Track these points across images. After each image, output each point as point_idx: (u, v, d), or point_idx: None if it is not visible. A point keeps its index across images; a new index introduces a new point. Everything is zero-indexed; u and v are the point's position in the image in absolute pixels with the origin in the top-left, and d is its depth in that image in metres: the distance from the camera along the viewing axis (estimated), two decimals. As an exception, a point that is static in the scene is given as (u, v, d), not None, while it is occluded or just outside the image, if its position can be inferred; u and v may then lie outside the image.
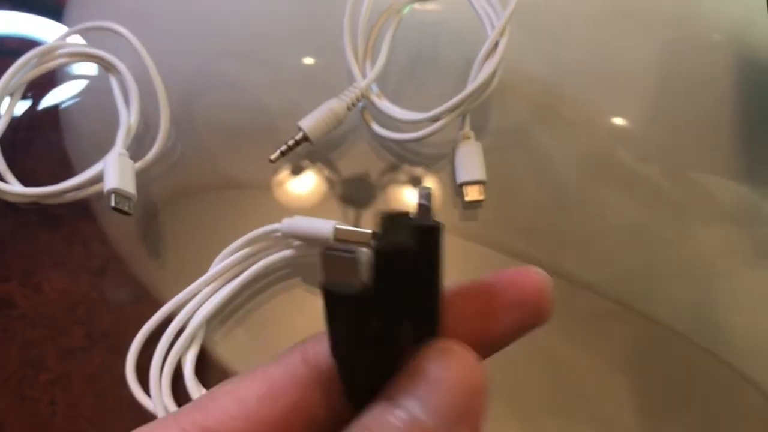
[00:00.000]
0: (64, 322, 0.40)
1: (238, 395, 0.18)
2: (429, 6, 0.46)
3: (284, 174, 0.44)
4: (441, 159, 0.44)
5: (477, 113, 0.45)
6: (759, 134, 0.45)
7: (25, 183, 0.42)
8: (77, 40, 0.46)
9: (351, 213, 0.43)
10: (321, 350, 0.18)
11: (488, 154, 0.43)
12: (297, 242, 0.38)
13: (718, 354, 0.40)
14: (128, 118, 0.41)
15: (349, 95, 0.42)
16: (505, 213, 0.43)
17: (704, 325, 0.41)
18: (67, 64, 0.44)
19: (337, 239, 0.36)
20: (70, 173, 0.42)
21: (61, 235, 0.43)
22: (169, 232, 0.43)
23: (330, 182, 0.43)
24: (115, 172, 0.38)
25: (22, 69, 0.41)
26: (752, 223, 0.43)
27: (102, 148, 0.41)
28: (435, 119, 0.40)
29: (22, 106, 0.46)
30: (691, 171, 0.44)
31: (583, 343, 0.40)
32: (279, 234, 0.38)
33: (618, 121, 0.46)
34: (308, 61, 0.48)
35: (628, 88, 0.47)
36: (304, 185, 0.43)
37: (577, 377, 0.40)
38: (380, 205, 0.43)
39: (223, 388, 0.18)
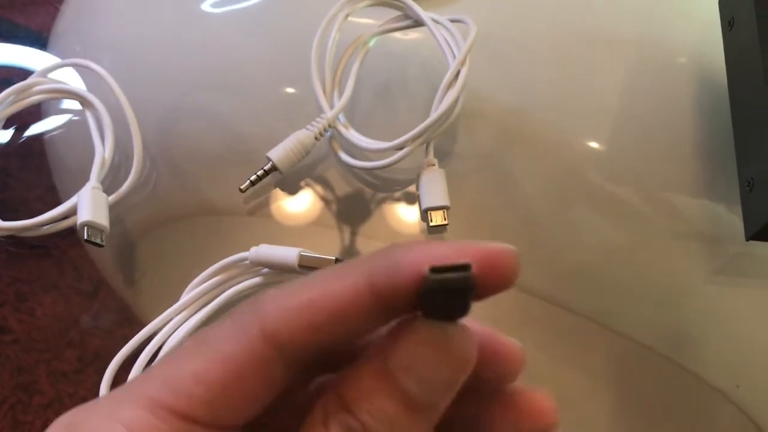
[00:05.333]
0: (57, 345, 0.42)
1: (205, 380, 0.18)
2: (396, 36, 0.47)
3: (257, 201, 0.45)
4: (408, 185, 0.45)
5: (444, 139, 0.46)
6: (719, 151, 0.46)
7: (16, 211, 0.43)
8: (60, 71, 0.47)
9: (321, 239, 0.44)
10: (279, 320, 0.18)
11: (457, 178, 0.44)
12: (265, 269, 0.39)
13: (687, 366, 0.41)
14: (103, 153, 0.42)
15: (317, 126, 0.43)
16: (475, 234, 0.44)
17: (672, 339, 0.42)
18: (44, 101, 0.45)
19: (300, 265, 0.37)
20: (60, 200, 0.44)
21: (53, 260, 0.44)
22: (149, 258, 0.44)
23: (300, 209, 0.45)
24: (87, 205, 0.40)
25: (-1, 106, 0.43)
26: (717, 239, 0.44)
27: (86, 178, 0.42)
28: (399, 148, 0.42)
29: (15, 137, 0.47)
30: (656, 189, 0.46)
31: (559, 358, 0.42)
32: (247, 262, 0.39)
33: (583, 142, 0.47)
34: (282, 90, 0.49)
35: (593, 110, 0.48)
36: (276, 212, 0.45)
37: (555, 391, 0.41)
38: (348, 231, 0.44)
39: (186, 368, 0.18)
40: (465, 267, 0.17)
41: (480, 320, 0.21)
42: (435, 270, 0.17)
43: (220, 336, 0.19)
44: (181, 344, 0.19)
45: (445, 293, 0.18)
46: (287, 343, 0.18)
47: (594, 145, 0.47)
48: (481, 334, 0.20)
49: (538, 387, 0.21)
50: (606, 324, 0.42)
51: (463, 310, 0.18)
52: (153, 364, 0.19)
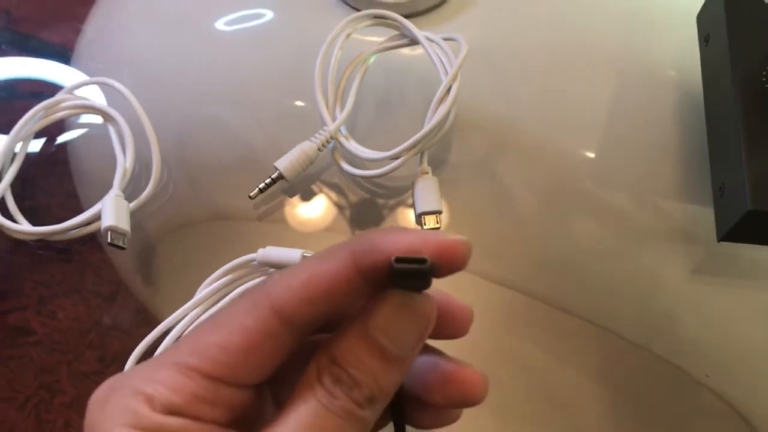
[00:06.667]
0: (78, 347, 0.44)
1: (227, 348, 0.22)
2: (394, 53, 0.50)
3: (266, 208, 0.48)
4: (405, 191, 0.47)
5: (440, 148, 0.49)
6: (699, 158, 0.48)
7: (40, 217, 0.46)
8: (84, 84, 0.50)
9: (324, 241, 0.47)
10: (285, 297, 0.22)
11: (451, 186, 0.47)
12: (271, 269, 0.42)
13: (678, 364, 0.43)
14: (124, 163, 0.46)
15: (320, 137, 0.46)
16: (471, 237, 0.45)
17: (661, 338, 0.44)
18: (70, 116, 0.49)
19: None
20: (81, 208, 0.47)
21: (74, 265, 0.46)
22: (166, 260, 0.47)
23: (305, 214, 0.48)
24: (111, 211, 0.43)
25: (29, 122, 0.46)
26: (703, 241, 0.46)
27: (108, 186, 0.45)
28: (395, 157, 0.44)
29: (40, 147, 0.50)
30: (643, 194, 0.48)
31: (557, 357, 0.44)
32: (255, 263, 0.42)
33: (572, 151, 0.50)
34: (289, 104, 0.52)
35: (581, 120, 0.50)
36: (282, 217, 0.48)
37: (554, 389, 0.43)
38: (349, 234, 0.47)
39: (210, 339, 0.22)
40: (422, 260, 0.21)
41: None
42: (399, 260, 0.22)
43: (237, 312, 0.23)
44: (202, 322, 0.24)
45: (407, 278, 0.22)
46: (292, 316, 0.22)
47: (582, 153, 0.49)
48: (438, 297, 0.25)
49: (471, 364, 0.25)
50: (599, 324, 0.44)
51: (425, 286, 0.23)
52: (179, 339, 0.23)
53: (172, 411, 0.22)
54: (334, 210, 0.48)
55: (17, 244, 0.46)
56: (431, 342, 0.26)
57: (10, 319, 0.45)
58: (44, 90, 0.52)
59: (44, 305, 0.45)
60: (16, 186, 0.47)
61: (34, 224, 0.45)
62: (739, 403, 0.42)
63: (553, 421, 0.42)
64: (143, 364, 0.24)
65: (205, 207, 0.49)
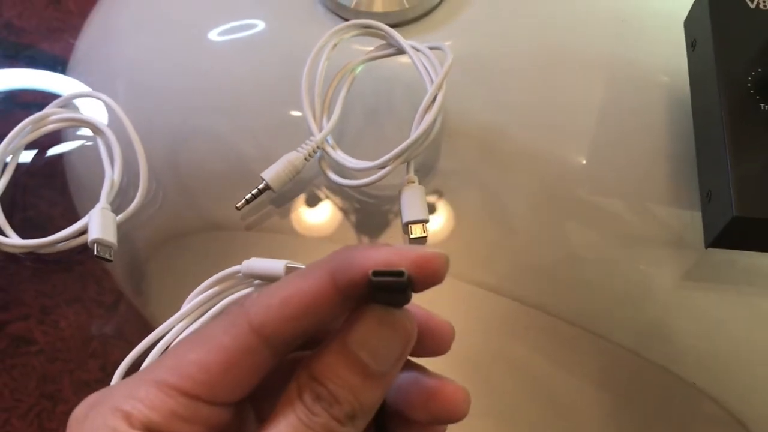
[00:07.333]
0: (80, 356, 0.44)
1: (204, 366, 0.22)
2: (381, 61, 0.50)
3: (254, 217, 0.48)
4: (392, 200, 0.47)
5: (428, 156, 0.49)
6: (690, 163, 0.48)
7: (41, 227, 0.46)
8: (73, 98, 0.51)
9: (312, 250, 0.47)
10: (263, 315, 0.23)
11: (443, 194, 0.47)
12: (257, 281, 0.43)
13: (672, 370, 0.43)
14: (112, 176, 0.46)
15: (307, 147, 0.46)
16: (456, 246, 0.47)
17: (654, 344, 0.44)
18: (59, 129, 0.49)
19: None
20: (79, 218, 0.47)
21: (75, 274, 0.47)
22: (157, 270, 0.47)
23: (293, 224, 0.48)
24: (97, 224, 0.43)
25: (18, 135, 0.47)
26: (696, 247, 0.46)
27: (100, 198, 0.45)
28: (381, 167, 0.45)
29: (40, 159, 0.51)
30: (634, 200, 0.48)
31: (557, 364, 0.44)
32: (240, 274, 0.42)
33: (560, 157, 0.49)
34: (279, 114, 0.52)
35: (569, 127, 0.50)
36: (271, 227, 0.48)
37: (555, 395, 0.43)
38: (337, 243, 0.47)
39: (189, 357, 0.23)
40: (400, 273, 0.21)
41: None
42: (376, 273, 0.21)
43: (217, 330, 0.23)
44: (183, 338, 0.24)
45: (386, 291, 0.22)
46: (270, 334, 0.23)
47: (573, 159, 0.49)
48: (419, 314, 0.25)
49: (454, 380, 0.25)
50: (591, 329, 0.44)
51: (404, 301, 0.23)
52: (161, 355, 0.24)
53: (149, 428, 0.22)
54: (322, 219, 0.48)
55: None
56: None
57: (12, 329, 0.45)
58: (44, 101, 0.52)
59: (46, 315, 0.46)
60: (16, 198, 0.48)
61: (36, 235, 0.45)
62: (735, 408, 0.42)
63: (555, 426, 0.42)
64: (124, 381, 0.24)
65: (196, 217, 0.49)
